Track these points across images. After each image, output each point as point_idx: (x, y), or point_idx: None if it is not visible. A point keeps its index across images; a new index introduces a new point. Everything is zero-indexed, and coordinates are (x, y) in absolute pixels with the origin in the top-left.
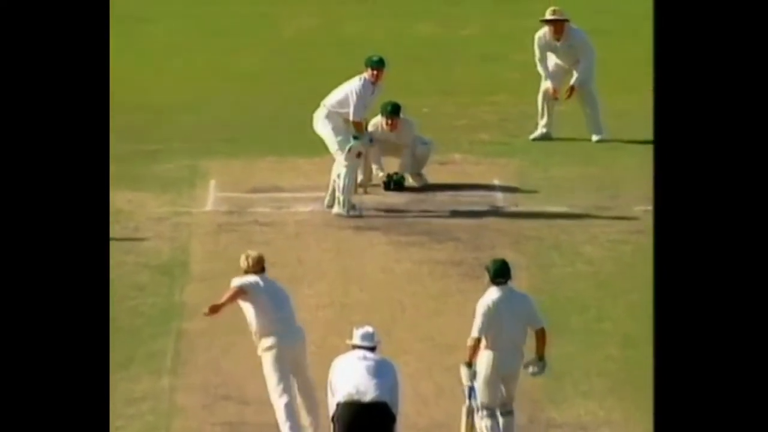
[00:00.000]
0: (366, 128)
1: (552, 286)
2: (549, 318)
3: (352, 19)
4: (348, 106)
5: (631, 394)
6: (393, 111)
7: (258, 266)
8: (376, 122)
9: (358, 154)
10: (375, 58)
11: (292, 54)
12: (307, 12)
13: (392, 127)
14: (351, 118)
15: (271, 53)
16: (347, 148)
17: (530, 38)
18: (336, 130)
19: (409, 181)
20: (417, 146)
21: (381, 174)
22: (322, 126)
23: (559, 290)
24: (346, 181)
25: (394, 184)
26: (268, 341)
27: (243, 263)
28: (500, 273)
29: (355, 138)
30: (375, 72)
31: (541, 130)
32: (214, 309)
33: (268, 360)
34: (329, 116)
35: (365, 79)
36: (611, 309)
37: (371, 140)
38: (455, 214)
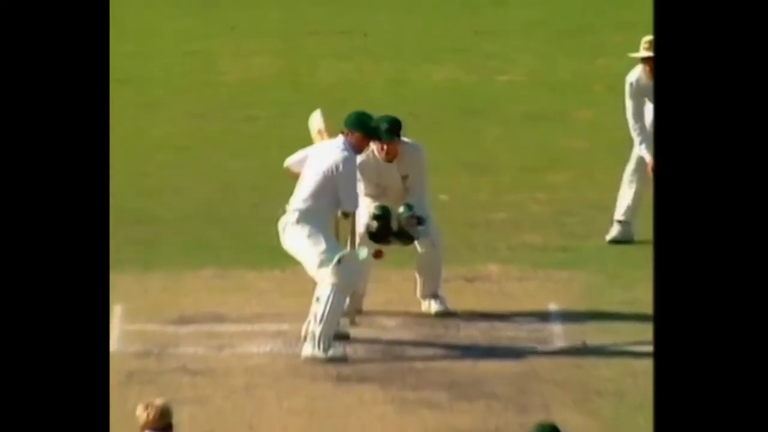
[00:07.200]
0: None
1: None
2: None
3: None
4: (329, 193)
5: None
6: (391, 130)
7: (162, 421)
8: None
9: (377, 254)
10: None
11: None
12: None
13: (388, 153)
14: (344, 208)
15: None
16: (336, 259)
17: (602, 85)
18: (314, 237)
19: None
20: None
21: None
22: (291, 238)
23: None
24: (329, 307)
25: (418, 220)
26: None
27: (141, 416)
28: None
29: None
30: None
31: (620, 227)
32: None
33: None
34: (302, 218)
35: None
36: None
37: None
38: (488, 354)
